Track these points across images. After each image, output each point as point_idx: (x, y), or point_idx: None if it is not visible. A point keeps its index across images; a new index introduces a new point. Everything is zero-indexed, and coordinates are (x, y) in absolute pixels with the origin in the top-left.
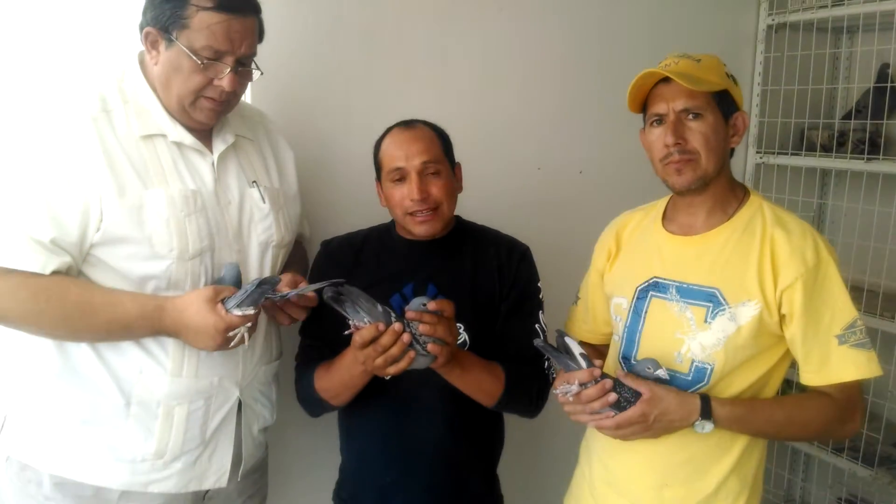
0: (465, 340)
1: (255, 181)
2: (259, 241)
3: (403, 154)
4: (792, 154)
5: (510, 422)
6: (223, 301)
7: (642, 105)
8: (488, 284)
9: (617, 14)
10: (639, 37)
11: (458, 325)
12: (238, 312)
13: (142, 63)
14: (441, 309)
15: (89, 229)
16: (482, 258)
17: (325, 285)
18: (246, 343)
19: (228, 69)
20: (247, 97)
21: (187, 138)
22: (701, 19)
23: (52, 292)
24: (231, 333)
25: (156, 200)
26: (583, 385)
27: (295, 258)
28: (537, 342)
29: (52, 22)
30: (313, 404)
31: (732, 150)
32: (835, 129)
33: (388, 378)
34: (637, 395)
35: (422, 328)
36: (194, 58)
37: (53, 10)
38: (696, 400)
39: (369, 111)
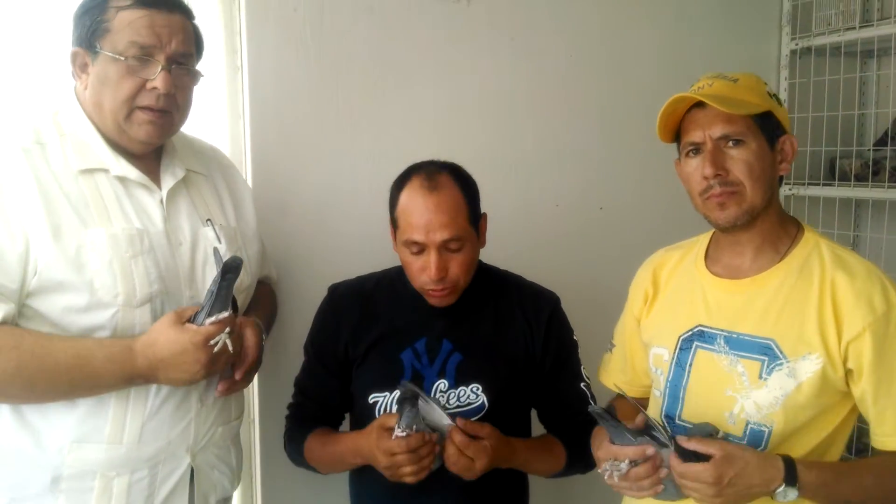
0: (482, 403)
1: (209, 219)
2: None
3: (424, 225)
4: (824, 185)
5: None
6: (191, 320)
7: (675, 133)
8: (513, 343)
9: (634, 43)
10: (657, 65)
11: (475, 385)
12: (212, 320)
13: (78, 95)
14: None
15: (27, 275)
16: (506, 314)
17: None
18: (230, 349)
19: (160, 67)
20: (245, 140)
21: (132, 173)
22: (721, 46)
23: (3, 341)
24: (212, 342)
25: (96, 240)
26: (633, 463)
27: (259, 303)
28: (593, 409)
29: None
30: (299, 464)
31: (782, 178)
32: (869, 157)
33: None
34: (704, 459)
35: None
36: (119, 58)
37: None
38: (779, 462)
39: (375, 149)
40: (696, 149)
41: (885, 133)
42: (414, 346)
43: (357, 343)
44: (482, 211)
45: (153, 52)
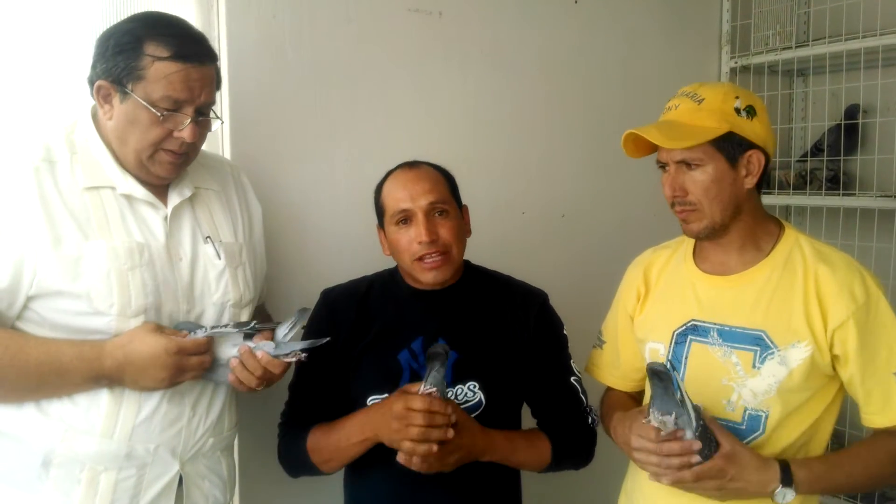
0: (480, 400)
1: (208, 237)
2: (213, 300)
3: (408, 194)
4: (764, 193)
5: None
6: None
7: (647, 150)
8: (505, 340)
9: (593, 59)
10: (610, 80)
11: (472, 383)
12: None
13: (94, 116)
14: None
15: (22, 282)
16: (497, 311)
17: (308, 346)
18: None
19: (189, 120)
20: (224, 146)
21: (138, 191)
22: (668, 62)
23: None
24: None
25: (95, 252)
26: (677, 427)
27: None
28: (653, 365)
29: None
30: (298, 467)
31: (761, 186)
32: (804, 168)
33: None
34: (717, 446)
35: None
36: (153, 110)
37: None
38: (775, 466)
39: (352, 155)
40: (663, 166)
41: (816, 144)
42: (410, 347)
43: (354, 344)
44: (465, 204)
45: (183, 106)
